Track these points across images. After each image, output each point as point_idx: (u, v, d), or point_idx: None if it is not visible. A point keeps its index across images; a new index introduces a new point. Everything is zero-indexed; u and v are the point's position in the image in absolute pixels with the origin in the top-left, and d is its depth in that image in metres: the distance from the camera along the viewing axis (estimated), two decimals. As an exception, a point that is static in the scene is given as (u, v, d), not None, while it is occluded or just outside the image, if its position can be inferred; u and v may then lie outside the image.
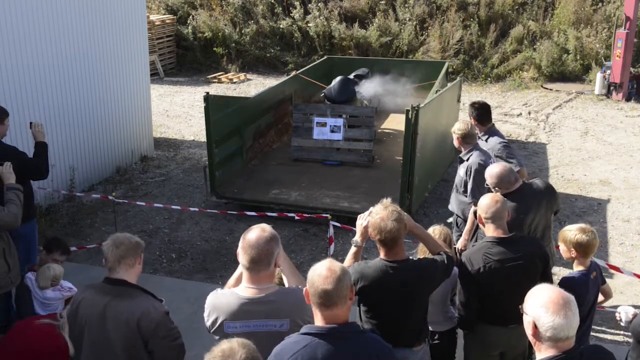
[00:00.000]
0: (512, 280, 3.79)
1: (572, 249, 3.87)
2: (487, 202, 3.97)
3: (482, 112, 6.06)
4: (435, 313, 4.15)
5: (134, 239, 3.38)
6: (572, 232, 3.89)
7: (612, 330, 5.70)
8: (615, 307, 5.20)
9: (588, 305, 3.93)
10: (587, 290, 3.87)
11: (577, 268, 3.94)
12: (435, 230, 4.27)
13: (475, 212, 5.46)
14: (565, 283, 3.82)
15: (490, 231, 3.94)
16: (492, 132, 6.14)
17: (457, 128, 5.63)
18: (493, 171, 4.68)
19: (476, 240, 4.94)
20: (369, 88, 11.03)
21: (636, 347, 3.64)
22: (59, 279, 4.79)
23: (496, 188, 4.61)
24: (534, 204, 4.72)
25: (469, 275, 3.89)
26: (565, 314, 2.45)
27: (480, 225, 4.09)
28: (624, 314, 3.86)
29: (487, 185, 4.75)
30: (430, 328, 4.06)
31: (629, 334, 5.30)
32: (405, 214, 3.58)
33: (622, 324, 3.89)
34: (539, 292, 2.57)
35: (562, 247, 3.95)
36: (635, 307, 4.01)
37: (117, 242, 3.32)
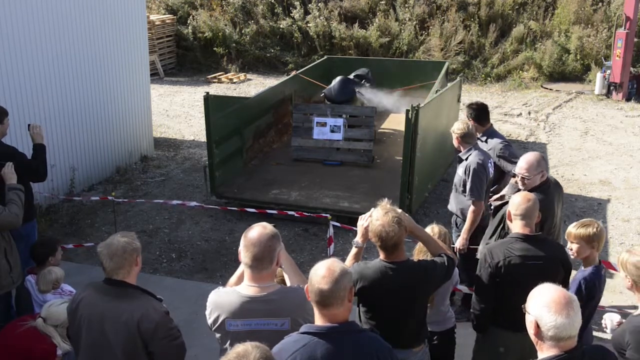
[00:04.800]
0: (531, 280, 3.66)
1: (594, 243, 3.91)
2: (519, 199, 3.93)
3: (480, 113, 6.09)
4: (434, 313, 4.14)
5: (129, 246, 3.30)
6: (584, 227, 3.94)
7: (609, 333, 5.69)
8: (617, 307, 5.20)
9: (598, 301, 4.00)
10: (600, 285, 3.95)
11: (592, 264, 3.97)
12: (433, 230, 4.24)
13: (474, 211, 5.48)
14: (592, 277, 3.87)
15: (517, 228, 3.90)
16: (492, 132, 6.16)
17: (456, 128, 5.64)
18: (533, 158, 4.74)
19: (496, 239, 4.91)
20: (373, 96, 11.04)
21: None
22: (60, 282, 4.79)
23: (544, 173, 4.71)
24: (556, 198, 4.85)
25: (486, 269, 3.84)
26: (567, 314, 2.46)
27: (508, 222, 4.05)
28: (609, 321, 3.85)
29: (521, 174, 4.75)
30: (429, 328, 4.05)
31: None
32: (407, 215, 3.57)
33: (607, 330, 3.88)
34: (541, 291, 2.58)
35: (580, 245, 3.94)
36: (633, 307, 3.99)
37: (110, 253, 3.27)
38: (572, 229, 3.98)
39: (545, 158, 4.91)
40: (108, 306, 3.25)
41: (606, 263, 5.79)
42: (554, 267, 3.79)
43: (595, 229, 3.92)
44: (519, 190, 4.86)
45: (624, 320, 3.66)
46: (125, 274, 3.30)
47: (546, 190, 4.75)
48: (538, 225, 4.36)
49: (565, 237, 4.07)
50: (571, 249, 3.99)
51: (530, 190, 4.68)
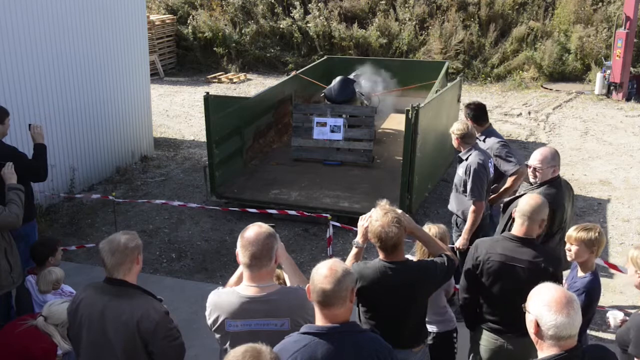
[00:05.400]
0: (508, 282, 3.69)
1: (593, 248, 3.92)
2: (524, 199, 3.86)
3: (478, 113, 6.11)
4: (431, 313, 4.14)
5: (130, 243, 3.31)
6: (585, 231, 3.93)
7: (612, 330, 5.69)
8: (617, 307, 5.20)
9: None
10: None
11: (590, 269, 3.98)
12: (430, 230, 4.18)
13: (474, 211, 5.48)
14: (593, 284, 3.87)
15: (514, 228, 3.86)
16: (490, 132, 6.17)
17: (456, 128, 5.64)
18: (547, 151, 4.75)
19: None
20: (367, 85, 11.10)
21: (622, 356, 3.53)
22: (61, 282, 4.79)
23: (557, 167, 4.72)
24: (566, 195, 4.86)
25: (470, 261, 3.87)
26: (567, 313, 2.46)
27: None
28: (612, 318, 3.85)
29: (534, 166, 4.74)
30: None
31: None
32: (407, 216, 3.57)
33: (611, 328, 3.88)
34: (541, 290, 2.58)
35: (580, 248, 3.94)
36: (634, 307, 4.00)
37: (112, 249, 3.27)
38: (573, 232, 3.96)
39: (559, 156, 4.95)
40: (108, 305, 3.24)
41: (609, 264, 5.81)
42: (537, 274, 3.55)
43: (596, 234, 3.91)
44: (530, 184, 4.88)
45: (627, 318, 3.68)
46: (126, 272, 3.30)
47: (557, 186, 4.77)
48: (546, 225, 4.35)
49: (565, 239, 4.07)
50: (569, 250, 3.98)
51: (542, 184, 4.72)
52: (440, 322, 4.27)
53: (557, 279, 3.77)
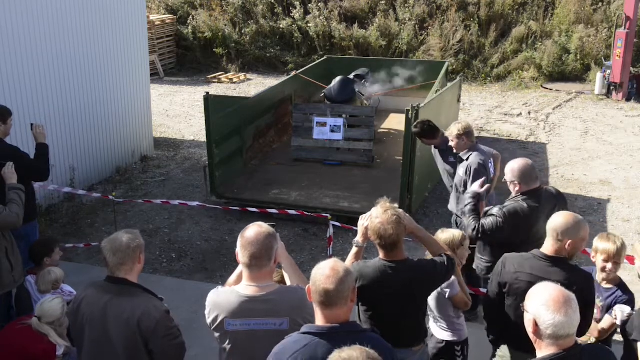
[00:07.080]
0: None
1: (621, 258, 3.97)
2: (559, 217, 3.58)
3: (425, 128, 6.46)
4: (439, 319, 4.14)
5: (132, 242, 3.31)
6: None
7: (619, 324, 5.68)
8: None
9: None
10: None
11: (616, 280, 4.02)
12: (443, 233, 4.15)
13: (473, 197, 5.23)
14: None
15: (545, 246, 3.65)
16: (444, 141, 6.23)
17: (461, 127, 5.61)
18: (514, 166, 4.49)
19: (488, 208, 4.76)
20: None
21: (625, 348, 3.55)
22: (60, 282, 4.78)
23: (516, 183, 4.47)
24: (547, 207, 4.49)
25: (496, 277, 3.75)
26: (566, 312, 2.47)
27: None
28: (620, 312, 3.85)
29: (504, 180, 4.60)
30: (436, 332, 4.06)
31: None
32: (407, 215, 3.56)
33: (617, 322, 3.87)
34: (540, 290, 2.58)
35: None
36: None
37: (114, 248, 3.28)
38: (604, 244, 3.95)
39: (529, 171, 4.51)
40: (110, 304, 3.25)
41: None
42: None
43: (620, 242, 4.01)
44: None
45: (634, 312, 3.69)
46: (128, 271, 3.31)
47: (536, 198, 4.47)
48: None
49: (619, 257, 4.00)
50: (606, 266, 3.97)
51: (522, 195, 4.51)
52: (444, 331, 4.24)
53: (588, 303, 3.57)
